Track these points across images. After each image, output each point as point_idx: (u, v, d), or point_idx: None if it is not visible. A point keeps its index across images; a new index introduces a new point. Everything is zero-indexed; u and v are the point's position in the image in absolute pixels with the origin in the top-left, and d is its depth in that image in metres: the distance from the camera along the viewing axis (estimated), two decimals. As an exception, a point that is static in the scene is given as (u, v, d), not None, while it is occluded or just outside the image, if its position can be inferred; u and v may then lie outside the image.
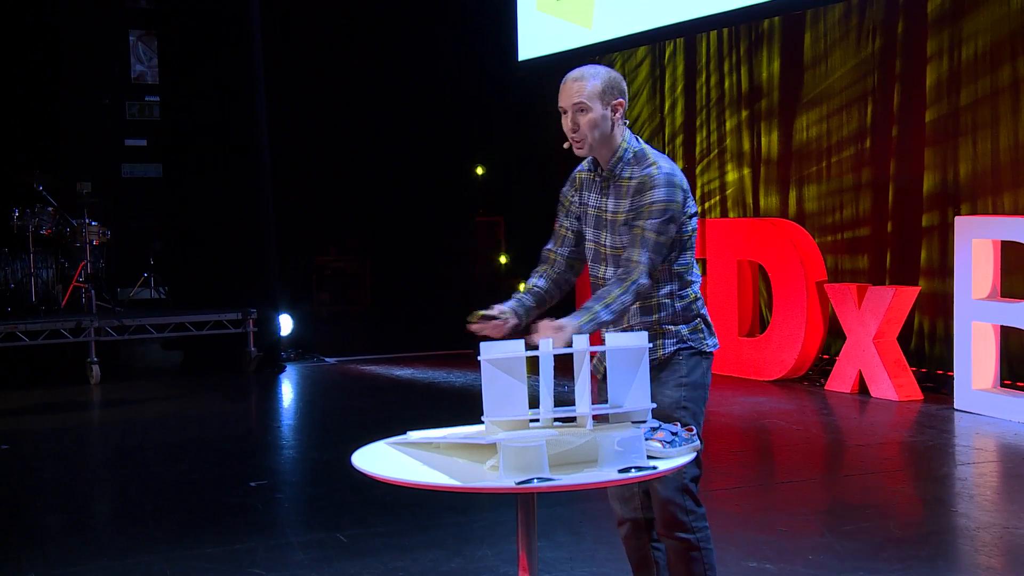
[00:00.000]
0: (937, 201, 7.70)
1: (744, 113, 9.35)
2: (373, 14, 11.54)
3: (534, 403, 2.67)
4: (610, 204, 3.10)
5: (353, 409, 7.92)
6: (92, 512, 5.52)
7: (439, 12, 11.56)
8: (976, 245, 6.92)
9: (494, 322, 3.04)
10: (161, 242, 11.32)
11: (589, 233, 3.19)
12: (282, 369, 9.48)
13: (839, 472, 5.97)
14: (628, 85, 10.78)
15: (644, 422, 2.67)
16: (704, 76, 9.80)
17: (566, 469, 2.50)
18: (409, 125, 11.71)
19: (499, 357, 2.60)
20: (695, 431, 2.74)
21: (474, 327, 3.03)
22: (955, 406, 6.98)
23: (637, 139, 3.13)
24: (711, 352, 3.23)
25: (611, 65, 10.89)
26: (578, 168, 3.25)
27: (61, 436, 7.13)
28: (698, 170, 9.93)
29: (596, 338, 2.81)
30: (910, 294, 7.47)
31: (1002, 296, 6.96)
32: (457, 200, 11.95)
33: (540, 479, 2.39)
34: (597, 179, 3.15)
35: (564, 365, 2.73)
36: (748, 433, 6.71)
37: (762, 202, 9.17)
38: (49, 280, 9.62)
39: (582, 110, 3.03)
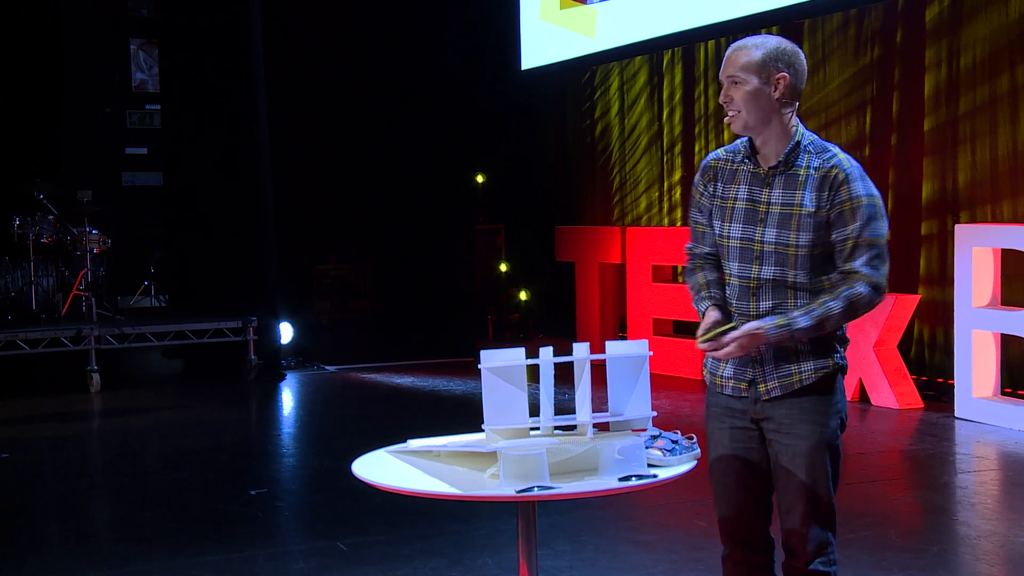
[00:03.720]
0: (936, 209, 7.71)
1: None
2: (375, 22, 11.54)
3: (534, 411, 2.68)
4: (775, 195, 2.77)
5: (353, 417, 7.92)
6: (92, 520, 5.51)
7: (442, 20, 11.57)
8: (976, 253, 6.92)
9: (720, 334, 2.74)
10: (161, 250, 11.32)
11: (732, 229, 2.83)
12: (282, 377, 9.48)
13: (840, 480, 5.96)
14: (625, 92, 10.93)
15: (645, 430, 2.67)
16: (703, 85, 9.82)
17: (567, 477, 2.51)
18: (410, 133, 11.70)
19: (499, 365, 2.60)
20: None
21: (707, 347, 2.75)
22: (956, 414, 6.98)
23: (808, 131, 2.86)
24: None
25: (609, 73, 11.04)
26: (713, 155, 2.95)
27: (61, 444, 7.12)
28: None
29: (597, 346, 2.81)
30: (910, 302, 7.47)
31: (1002, 304, 6.96)
32: (457, 208, 11.95)
33: (540, 487, 2.39)
34: (748, 167, 2.83)
35: (564, 373, 2.73)
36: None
37: (762, 210, 9.17)
38: (49, 288, 9.62)
39: (736, 83, 2.77)
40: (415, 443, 2.81)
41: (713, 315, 2.81)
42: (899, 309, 7.41)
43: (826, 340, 2.80)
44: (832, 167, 2.74)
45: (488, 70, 11.57)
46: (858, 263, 2.72)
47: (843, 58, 8.39)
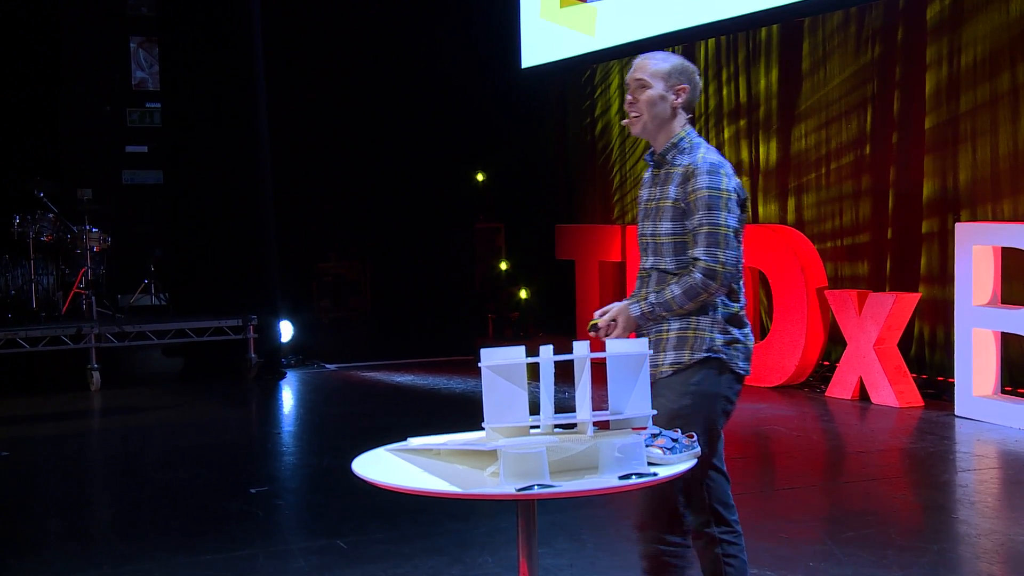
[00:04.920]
0: (937, 207, 7.71)
1: (742, 122, 9.36)
2: (375, 21, 11.54)
3: (535, 410, 2.67)
4: (658, 192, 3.08)
5: (353, 415, 7.92)
6: (92, 519, 5.51)
7: (442, 19, 11.57)
8: (976, 251, 6.92)
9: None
10: (162, 249, 11.32)
11: (639, 227, 3.17)
12: (282, 375, 9.48)
13: (840, 479, 5.97)
14: (624, 91, 10.91)
15: (645, 428, 2.67)
16: (702, 84, 9.79)
17: (567, 476, 2.50)
18: (410, 131, 11.70)
19: (499, 364, 2.59)
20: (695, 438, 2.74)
21: (593, 333, 3.09)
22: (956, 413, 6.98)
23: (698, 135, 3.11)
24: (742, 376, 3.12)
25: (609, 71, 11.03)
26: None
27: (61, 443, 7.13)
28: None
29: (597, 345, 2.82)
30: (910, 300, 7.47)
31: (1002, 303, 6.96)
32: (457, 206, 11.95)
33: (541, 486, 2.38)
34: (650, 168, 3.14)
35: (564, 371, 2.73)
36: (748, 439, 6.70)
37: (761, 210, 9.17)
38: (50, 287, 9.62)
39: (643, 87, 3.05)
40: (415, 441, 2.81)
41: (602, 308, 3.12)
42: (899, 307, 7.41)
43: (689, 334, 3.01)
44: (690, 163, 3.00)
45: (488, 69, 11.57)
46: (697, 251, 2.97)
47: (843, 56, 8.38)
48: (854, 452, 6.50)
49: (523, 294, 11.90)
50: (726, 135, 9.55)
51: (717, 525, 3.14)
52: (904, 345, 7.62)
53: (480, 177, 12.31)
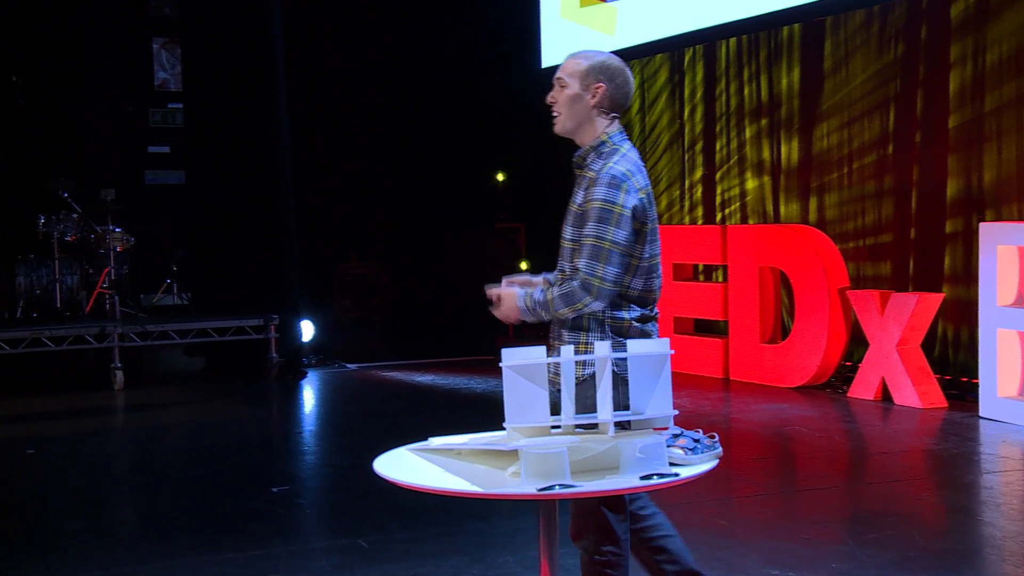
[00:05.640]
0: (961, 207, 7.65)
1: (764, 121, 9.32)
2: (395, 21, 11.57)
3: (555, 409, 2.67)
4: (577, 196, 3.06)
5: (374, 415, 7.93)
6: (115, 517, 5.55)
7: (462, 19, 11.58)
8: (1001, 251, 6.86)
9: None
10: (184, 248, 11.39)
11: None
12: (303, 375, 9.51)
13: (862, 480, 5.93)
14: (646, 89, 10.88)
15: (666, 428, 2.66)
16: (723, 83, 9.78)
17: (588, 476, 2.50)
18: (430, 131, 11.72)
19: (521, 363, 2.59)
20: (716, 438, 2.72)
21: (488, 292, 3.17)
22: (980, 414, 6.92)
23: (625, 138, 3.06)
24: None
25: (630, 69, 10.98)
26: None
27: (85, 441, 7.18)
28: (717, 176, 9.90)
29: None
30: (934, 301, 7.42)
31: (1027, 303, 6.90)
32: (478, 206, 11.97)
33: (562, 486, 2.38)
34: (575, 169, 3.11)
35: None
36: (770, 440, 6.67)
37: (782, 210, 9.13)
38: (74, 286, 9.69)
39: (562, 86, 3.04)
40: (436, 441, 2.81)
41: (511, 277, 3.18)
42: (922, 308, 7.36)
43: (580, 350, 2.96)
44: (597, 171, 2.96)
45: (508, 69, 11.57)
46: (580, 262, 2.94)
47: (866, 55, 8.33)
48: (876, 453, 6.46)
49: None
50: (747, 134, 9.51)
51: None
52: (927, 345, 7.57)
53: (500, 177, 12.32)
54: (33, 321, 9.18)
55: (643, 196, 2.98)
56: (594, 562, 3.03)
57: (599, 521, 3.01)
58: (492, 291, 3.11)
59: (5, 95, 10.30)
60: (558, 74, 3.06)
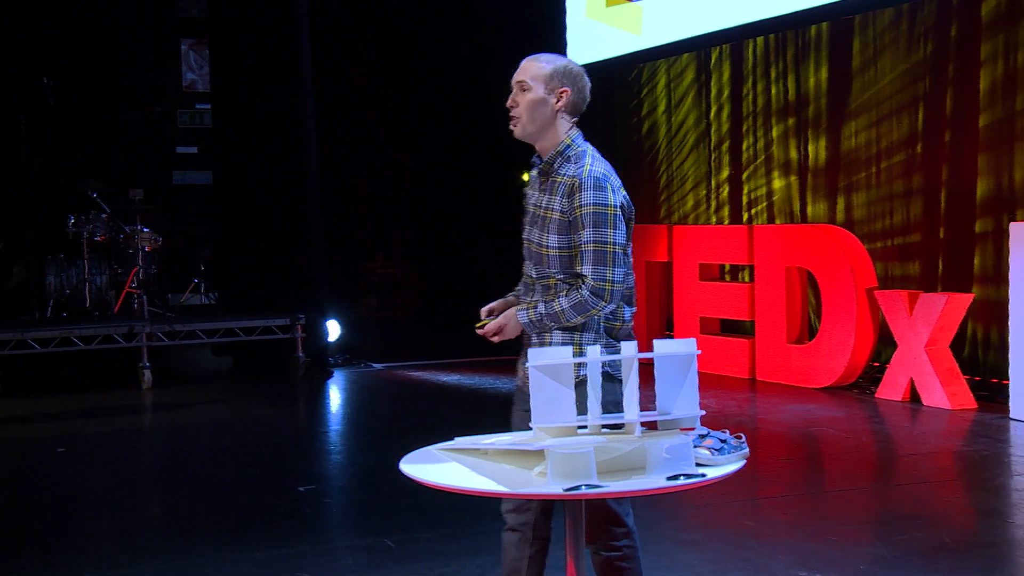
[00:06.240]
0: (991, 207, 7.58)
1: (791, 120, 9.27)
2: (421, 21, 11.60)
3: (582, 410, 2.67)
4: (544, 199, 3.02)
5: (400, 414, 7.95)
6: (143, 514, 5.59)
7: (487, 19, 11.59)
8: (1032, 251, 6.79)
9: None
10: (211, 248, 11.46)
11: (524, 231, 3.11)
12: (330, 374, 9.55)
13: (890, 481, 5.89)
14: (672, 89, 10.85)
15: (693, 429, 2.65)
16: (751, 82, 9.74)
17: (614, 476, 2.49)
18: (456, 131, 11.73)
19: (547, 363, 2.59)
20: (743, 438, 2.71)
21: (481, 331, 3.13)
22: (1010, 415, 6.85)
23: (585, 140, 3.06)
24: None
25: (656, 70, 10.97)
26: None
27: (113, 440, 7.23)
28: (744, 176, 9.86)
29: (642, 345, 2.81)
30: (963, 301, 7.35)
31: (1058, 303, 6.83)
32: (504, 206, 11.95)
33: (588, 486, 2.38)
34: (537, 173, 3.07)
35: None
36: (797, 441, 6.64)
37: (809, 209, 9.08)
38: (103, 286, 9.78)
39: (524, 89, 3.00)
40: (462, 440, 2.81)
41: (488, 306, 3.12)
42: (952, 308, 7.29)
43: (574, 350, 2.89)
44: (575, 176, 2.93)
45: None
46: (585, 268, 2.92)
47: (895, 54, 8.27)
48: (905, 454, 6.41)
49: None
50: (775, 133, 9.46)
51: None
52: (957, 346, 7.50)
53: (526, 177, 12.32)
54: (63, 320, 9.27)
55: (624, 193, 3.03)
56: (610, 558, 3.03)
57: (610, 518, 3.02)
58: (489, 327, 3.07)
59: (36, 96, 10.40)
60: (518, 77, 3.01)
